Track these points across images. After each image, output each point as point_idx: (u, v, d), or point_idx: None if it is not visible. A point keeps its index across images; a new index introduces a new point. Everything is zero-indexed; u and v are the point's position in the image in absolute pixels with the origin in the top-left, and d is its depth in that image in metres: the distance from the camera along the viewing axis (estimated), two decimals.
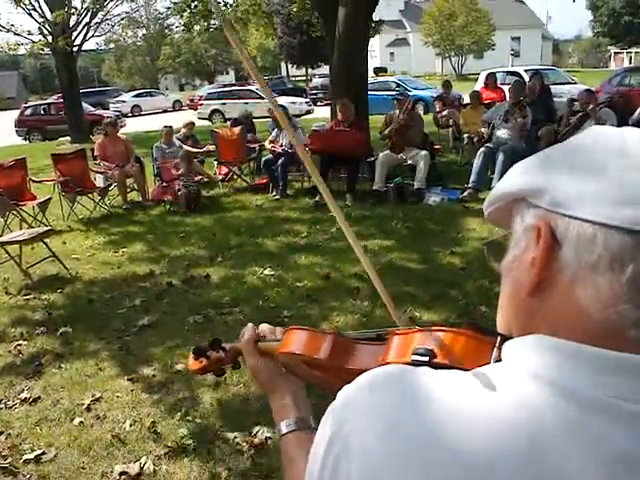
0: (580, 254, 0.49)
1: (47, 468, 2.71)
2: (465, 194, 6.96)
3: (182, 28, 14.19)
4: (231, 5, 12.59)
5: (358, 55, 8.57)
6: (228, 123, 11.62)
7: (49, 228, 6.12)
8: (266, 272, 5.04)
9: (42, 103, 23.45)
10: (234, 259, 5.50)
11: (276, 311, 4.21)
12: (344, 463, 0.50)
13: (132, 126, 20.99)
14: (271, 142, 8.36)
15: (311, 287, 4.67)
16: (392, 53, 55.65)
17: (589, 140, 0.53)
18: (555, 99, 9.38)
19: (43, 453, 2.80)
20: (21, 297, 4.91)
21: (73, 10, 16.43)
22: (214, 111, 23.23)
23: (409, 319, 3.86)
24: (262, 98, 22.84)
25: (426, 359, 0.62)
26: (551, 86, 10.32)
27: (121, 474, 2.61)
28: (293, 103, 21.52)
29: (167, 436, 2.87)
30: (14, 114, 22.41)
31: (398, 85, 19.83)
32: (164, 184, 7.96)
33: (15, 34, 16.87)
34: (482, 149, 7.24)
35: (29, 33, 16.90)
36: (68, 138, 17.39)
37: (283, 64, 48.45)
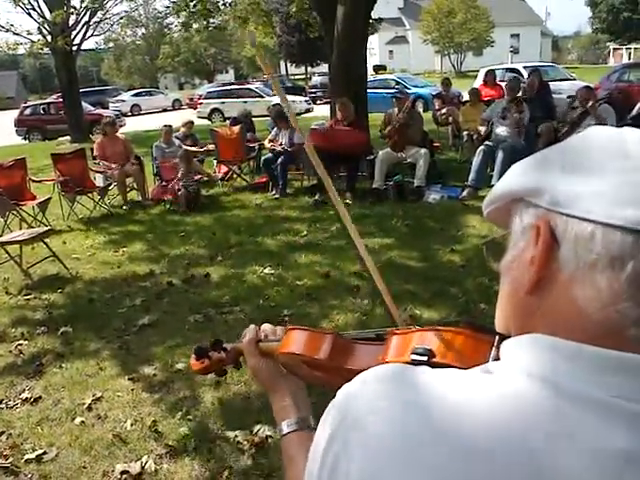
0: (579, 253, 0.49)
1: (48, 468, 2.71)
2: (464, 193, 6.95)
3: (180, 27, 14.14)
4: (230, 4, 12.57)
5: (357, 53, 8.57)
6: (227, 122, 11.62)
7: (49, 228, 6.12)
8: (266, 271, 5.05)
9: (42, 103, 23.44)
10: (234, 258, 5.51)
11: (276, 310, 4.21)
12: (343, 461, 0.50)
13: (132, 125, 20.98)
14: (270, 141, 8.36)
15: (311, 286, 4.67)
16: (391, 51, 55.53)
17: (588, 140, 0.53)
18: (554, 96, 9.37)
19: (44, 453, 2.81)
20: (21, 297, 4.91)
21: (72, 9, 16.41)
22: (213, 110, 23.22)
23: (409, 317, 3.87)
24: (261, 97, 22.91)
25: (425, 358, 0.62)
26: (550, 83, 10.30)
27: (122, 473, 2.61)
28: (292, 102, 21.51)
29: (168, 435, 2.87)
30: (14, 114, 22.39)
31: (397, 83, 19.81)
32: (164, 183, 7.97)
33: (14, 34, 16.89)
34: (481, 147, 7.24)
35: (28, 33, 16.92)
36: (68, 138, 17.39)
37: (282, 63, 48.45)
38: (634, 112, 8.21)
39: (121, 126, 19.24)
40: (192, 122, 9.73)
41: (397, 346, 0.70)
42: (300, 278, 4.83)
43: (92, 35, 18.22)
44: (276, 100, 17.87)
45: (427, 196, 7.04)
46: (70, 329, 4.17)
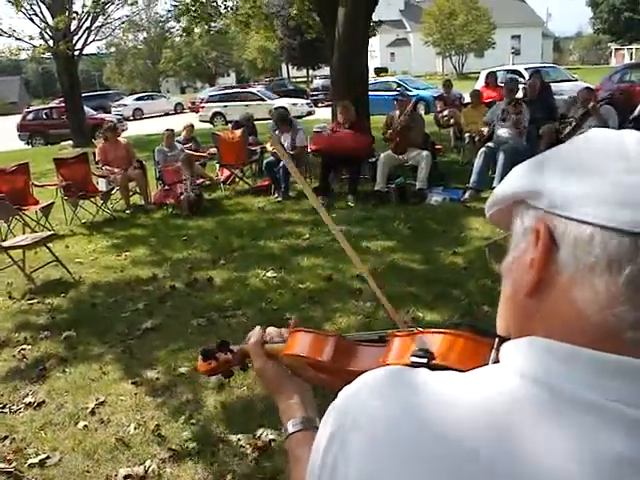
0: (578, 255, 0.49)
1: (52, 472, 2.72)
2: (466, 195, 6.95)
3: (182, 31, 14.16)
4: (232, 8, 12.60)
5: (358, 56, 8.58)
6: (229, 125, 11.63)
7: (52, 232, 6.14)
8: (269, 274, 5.05)
9: (44, 107, 23.56)
10: (237, 262, 5.51)
11: (279, 313, 4.21)
12: (342, 462, 0.51)
13: (134, 129, 21.04)
14: (272, 144, 8.37)
15: (313, 289, 4.67)
16: (392, 53, 55.61)
17: (588, 142, 0.53)
18: (556, 97, 9.36)
19: (48, 457, 2.81)
20: (25, 302, 4.92)
21: (74, 14, 16.47)
22: (215, 114, 23.25)
23: (411, 319, 3.86)
24: (263, 100, 22.94)
25: (424, 361, 0.62)
26: (552, 84, 10.30)
27: (126, 477, 2.61)
28: (294, 104, 21.56)
29: (171, 439, 2.88)
30: (16, 119, 22.48)
31: (399, 85, 19.83)
32: (166, 187, 7.98)
33: (17, 39, 16.94)
34: (483, 149, 7.24)
35: (30, 38, 16.96)
36: (70, 142, 17.43)
37: (284, 65, 48.50)
38: (636, 113, 8.20)
39: (123, 130, 19.29)
40: (192, 125, 9.73)
41: (398, 348, 0.71)
42: (303, 281, 4.83)
43: (94, 40, 18.31)
44: (278, 103, 17.92)
45: (429, 198, 7.04)
46: (73, 333, 4.18)
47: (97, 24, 17.68)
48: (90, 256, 6.08)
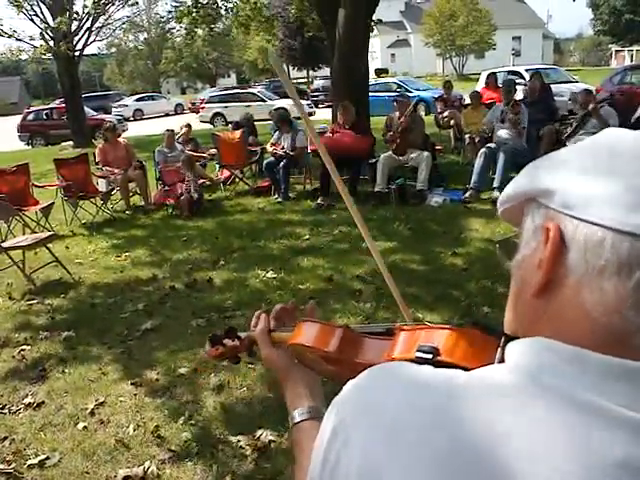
0: (587, 257, 0.48)
1: (51, 473, 2.71)
2: (466, 195, 6.95)
3: (185, 35, 14.15)
4: (232, 10, 12.60)
5: (359, 57, 8.59)
6: (229, 126, 11.63)
7: (52, 233, 6.14)
8: (269, 275, 5.05)
9: (44, 108, 23.56)
10: (237, 262, 5.51)
11: None
12: (345, 457, 0.51)
13: (134, 130, 21.06)
14: (273, 145, 8.37)
15: (314, 289, 4.67)
16: (393, 54, 55.61)
17: (603, 143, 0.52)
18: (556, 98, 9.37)
19: (47, 458, 2.81)
20: (24, 302, 4.92)
21: (75, 15, 16.48)
22: (216, 114, 23.25)
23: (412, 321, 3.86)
24: (263, 101, 22.96)
25: (430, 357, 0.62)
26: (552, 85, 10.30)
27: (125, 478, 2.61)
28: (294, 105, 21.51)
29: (171, 440, 2.87)
30: (17, 119, 22.50)
31: (399, 86, 19.84)
32: (166, 188, 7.98)
33: (17, 40, 16.94)
34: (483, 149, 7.24)
35: (31, 38, 16.99)
36: (71, 143, 17.43)
37: (284, 66, 48.54)
38: (637, 114, 8.20)
39: (124, 131, 19.35)
40: (189, 125, 9.71)
41: (403, 343, 0.70)
42: (303, 282, 4.83)
43: (94, 40, 18.32)
44: (278, 104, 17.92)
45: (429, 199, 7.04)
46: (73, 334, 4.17)
47: (98, 25, 17.72)
48: (90, 257, 6.08)
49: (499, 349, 0.58)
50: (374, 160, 7.54)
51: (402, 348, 0.70)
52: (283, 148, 8.09)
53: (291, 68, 44.80)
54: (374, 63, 41.85)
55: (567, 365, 0.48)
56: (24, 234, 5.89)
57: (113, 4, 17.62)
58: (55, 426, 3.08)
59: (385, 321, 3.80)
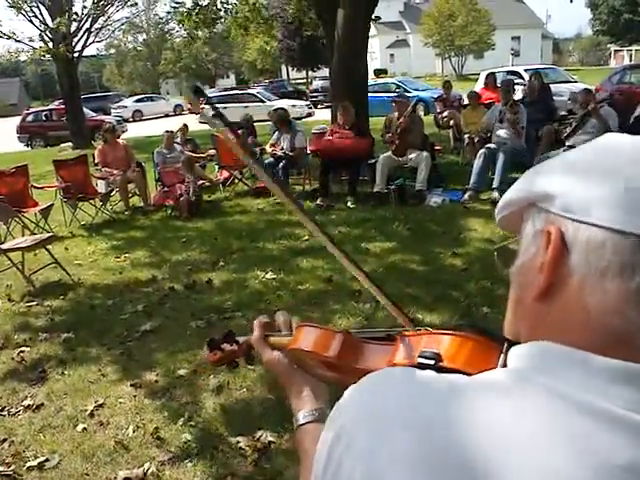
0: (589, 260, 0.48)
1: (50, 475, 2.71)
2: (466, 196, 6.95)
3: (186, 37, 14.14)
4: (231, 12, 12.58)
5: (358, 57, 8.59)
6: None
7: (51, 234, 6.14)
8: (268, 276, 5.04)
9: (44, 109, 23.55)
10: (236, 263, 5.50)
11: None
12: (347, 460, 0.50)
13: (134, 131, 21.05)
14: (272, 145, 8.38)
15: (313, 290, 4.67)
16: (392, 54, 55.60)
17: (603, 146, 0.53)
18: (555, 98, 9.37)
19: (46, 460, 2.80)
20: (24, 304, 4.92)
21: (74, 16, 16.47)
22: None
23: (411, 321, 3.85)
24: (262, 101, 22.95)
25: (432, 362, 0.62)
26: (551, 85, 10.30)
27: None
28: (294, 106, 21.55)
29: (170, 441, 2.87)
30: (16, 120, 22.49)
31: (398, 87, 19.84)
32: (165, 189, 7.98)
33: (16, 41, 16.96)
34: (482, 150, 7.24)
35: (30, 40, 17.00)
36: (70, 144, 17.42)
37: (283, 67, 48.53)
38: (637, 113, 8.20)
39: (123, 132, 19.34)
40: (186, 126, 9.70)
41: (405, 348, 0.70)
42: (302, 283, 4.82)
43: (93, 41, 18.27)
44: (277, 105, 17.91)
45: (428, 199, 7.04)
46: (72, 335, 4.17)
47: (97, 26, 17.70)
48: (89, 258, 6.07)
49: (502, 354, 0.58)
50: (373, 160, 7.54)
51: (404, 354, 0.69)
52: (282, 149, 8.09)
53: (290, 69, 44.86)
54: (373, 63, 41.88)
55: (569, 368, 0.47)
56: (23, 235, 5.89)
57: (112, 5, 17.62)
58: (54, 428, 3.08)
59: (385, 321, 3.79)
